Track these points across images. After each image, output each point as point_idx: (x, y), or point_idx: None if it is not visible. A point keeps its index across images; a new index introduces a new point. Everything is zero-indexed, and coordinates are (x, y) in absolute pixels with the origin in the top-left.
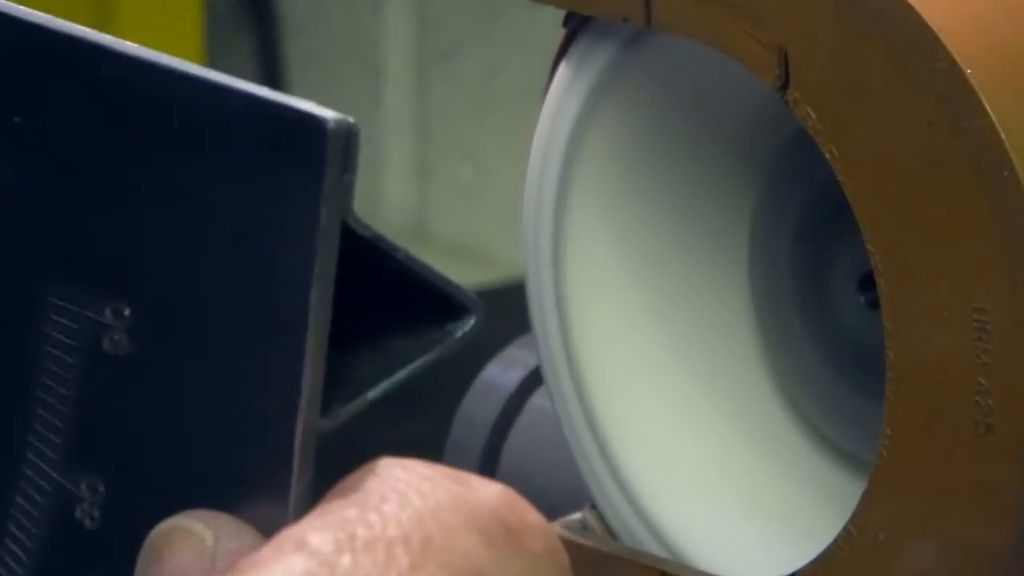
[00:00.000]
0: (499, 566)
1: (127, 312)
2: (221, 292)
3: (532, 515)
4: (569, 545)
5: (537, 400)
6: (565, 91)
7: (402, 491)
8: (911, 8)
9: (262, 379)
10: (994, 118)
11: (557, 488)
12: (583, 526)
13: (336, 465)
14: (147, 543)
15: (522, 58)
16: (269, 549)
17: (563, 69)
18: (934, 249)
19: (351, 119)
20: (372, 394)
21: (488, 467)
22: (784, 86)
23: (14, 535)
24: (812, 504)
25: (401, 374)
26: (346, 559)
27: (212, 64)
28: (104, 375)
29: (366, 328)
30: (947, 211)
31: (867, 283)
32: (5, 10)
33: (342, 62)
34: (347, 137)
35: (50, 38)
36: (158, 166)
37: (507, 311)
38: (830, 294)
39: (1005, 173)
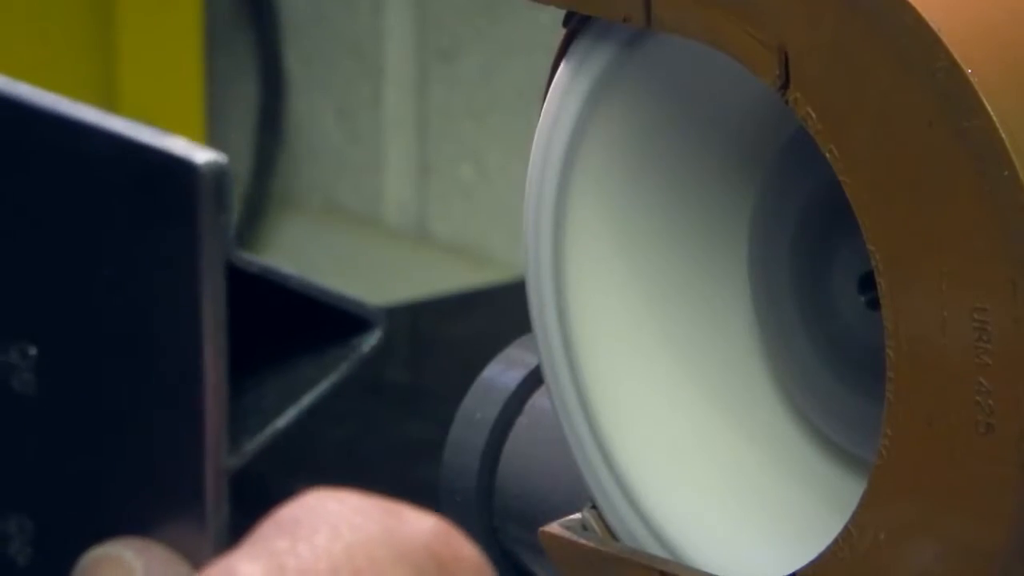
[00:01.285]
0: None
1: (32, 352)
2: (118, 332)
3: (466, 549)
4: (569, 545)
5: (537, 400)
6: (565, 91)
7: (333, 523)
8: (911, 8)
9: (167, 418)
10: (994, 118)
11: (557, 488)
12: (583, 526)
13: (336, 464)
14: (76, 571)
15: (522, 58)
16: None
17: (563, 69)
18: (934, 249)
19: (224, 159)
20: (280, 422)
21: (488, 467)
22: (784, 86)
23: None
24: (812, 504)
25: (307, 398)
26: None
27: (212, 64)
28: (16, 414)
29: (270, 354)
30: (947, 211)
31: (867, 283)
32: None
33: (342, 62)
34: (218, 178)
35: None
36: (47, 208)
37: (507, 311)
38: (830, 294)
39: (1005, 173)
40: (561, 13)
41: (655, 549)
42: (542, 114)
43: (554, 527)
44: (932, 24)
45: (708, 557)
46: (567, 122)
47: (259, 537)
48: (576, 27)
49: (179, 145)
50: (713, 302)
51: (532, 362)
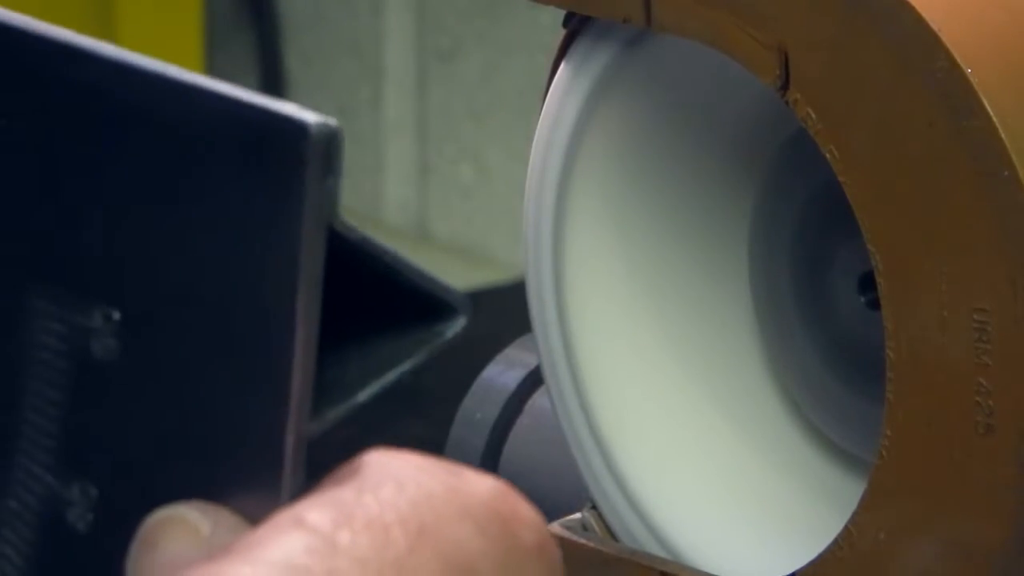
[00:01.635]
0: (490, 557)
1: (116, 317)
2: (208, 295)
3: (525, 509)
4: (569, 545)
5: (537, 400)
6: (565, 91)
7: (398, 478)
8: (911, 8)
9: (251, 383)
10: (994, 118)
11: (557, 488)
12: (583, 526)
13: (337, 464)
14: (141, 531)
15: (522, 58)
16: (267, 527)
17: (563, 69)
18: (934, 249)
19: (334, 122)
20: (362, 396)
21: (488, 467)
22: (784, 86)
23: (7, 538)
24: (812, 504)
25: (390, 375)
26: (345, 536)
27: (212, 64)
28: (94, 379)
29: (354, 329)
30: (947, 211)
31: (867, 283)
32: None
33: (342, 62)
34: (329, 140)
35: (31, 41)
36: (142, 171)
37: (507, 311)
38: (830, 294)
39: (1005, 173)
40: (561, 13)
41: (655, 549)
42: (542, 114)
43: (554, 527)
44: (932, 24)
45: (708, 557)
46: (567, 122)
47: (324, 489)
48: (576, 27)
49: (289, 107)
50: (713, 302)
51: (532, 362)
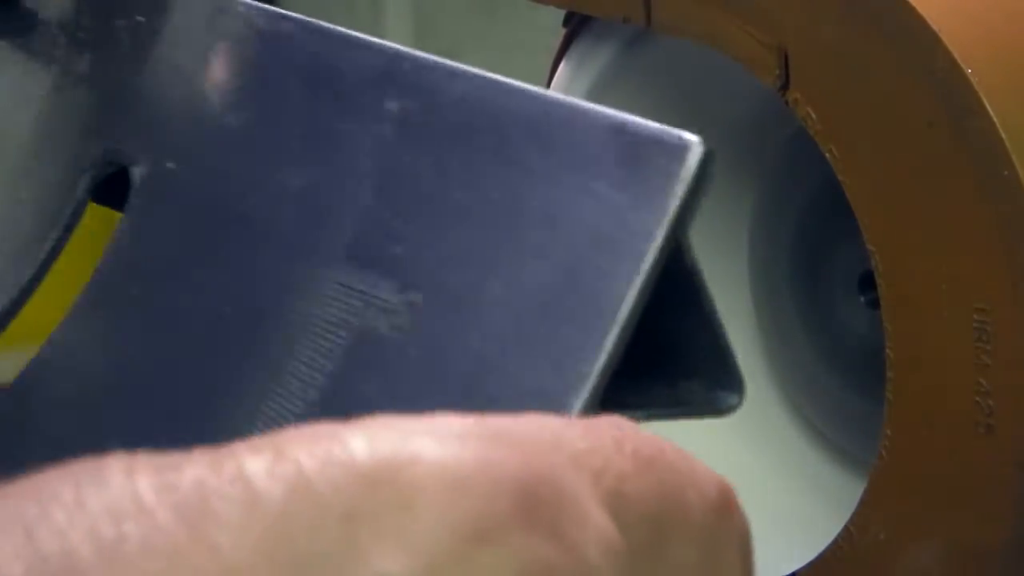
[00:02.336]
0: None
1: (418, 299)
2: (525, 286)
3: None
4: None
5: None
6: (565, 91)
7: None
8: (911, 8)
9: (540, 382)
10: (994, 118)
11: None
12: None
13: None
14: None
15: (522, 58)
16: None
17: (563, 69)
18: (934, 249)
19: (709, 146)
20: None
21: None
22: (784, 86)
23: None
24: (812, 504)
25: (658, 413)
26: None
27: None
28: (371, 352)
29: (636, 353)
30: (947, 211)
31: (867, 283)
32: (324, 29)
33: None
34: (705, 160)
35: (414, 61)
36: (478, 172)
37: None
38: (830, 294)
39: (1005, 173)
40: (561, 13)
41: None
42: None
43: None
44: (932, 24)
45: None
46: None
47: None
48: (576, 27)
49: (668, 128)
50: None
51: None
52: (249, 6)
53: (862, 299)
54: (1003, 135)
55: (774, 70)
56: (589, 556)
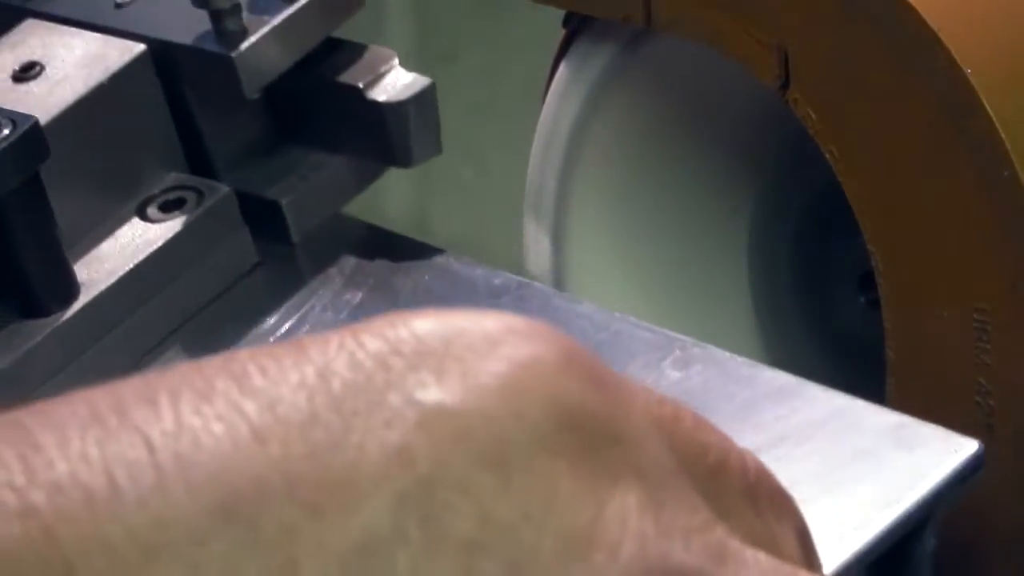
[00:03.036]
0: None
1: None
2: None
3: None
4: None
5: None
6: (565, 91)
7: None
8: (911, 8)
9: None
10: (994, 118)
11: None
12: None
13: None
14: None
15: (522, 58)
16: None
17: (563, 69)
18: (934, 249)
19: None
20: None
21: None
22: (784, 86)
23: None
24: None
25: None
26: None
27: None
28: None
29: None
30: (947, 211)
31: (867, 283)
32: None
33: None
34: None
35: None
36: None
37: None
38: (830, 294)
39: (1005, 173)
40: (561, 13)
41: None
42: (542, 114)
43: None
44: (932, 24)
45: None
46: (567, 122)
47: None
48: (576, 27)
49: None
50: (713, 302)
51: None
52: None
53: (862, 299)
54: (1003, 135)
55: (774, 70)
56: (633, 417)
